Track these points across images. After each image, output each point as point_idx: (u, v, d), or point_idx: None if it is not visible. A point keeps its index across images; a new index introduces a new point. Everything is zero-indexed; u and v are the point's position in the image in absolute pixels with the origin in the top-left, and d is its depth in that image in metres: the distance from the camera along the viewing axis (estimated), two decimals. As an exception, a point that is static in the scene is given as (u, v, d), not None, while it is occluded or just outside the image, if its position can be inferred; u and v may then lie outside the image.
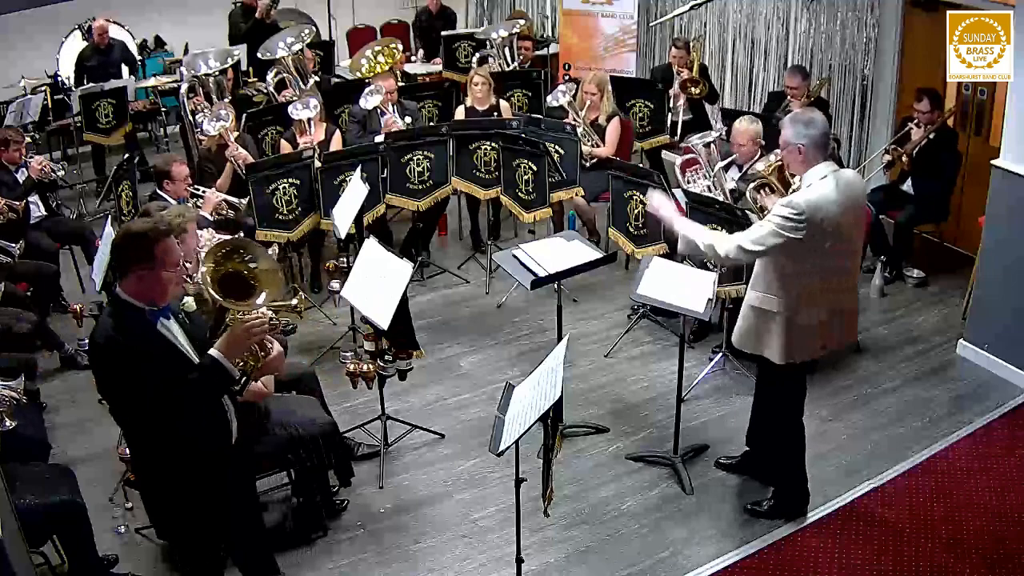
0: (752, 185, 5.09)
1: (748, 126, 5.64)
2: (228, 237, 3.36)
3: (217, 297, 3.10)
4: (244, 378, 3.24)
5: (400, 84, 7.34)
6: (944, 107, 6.36)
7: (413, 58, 9.55)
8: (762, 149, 5.60)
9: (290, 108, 6.55)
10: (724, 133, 6.14)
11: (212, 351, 3.05)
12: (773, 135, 6.15)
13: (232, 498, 3.37)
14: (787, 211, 3.72)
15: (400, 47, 7.57)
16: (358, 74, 7.42)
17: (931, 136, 6.22)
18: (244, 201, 5.90)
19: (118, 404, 3.15)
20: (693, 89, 7.38)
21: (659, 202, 4.18)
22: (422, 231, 6.93)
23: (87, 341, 3.16)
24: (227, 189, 6.13)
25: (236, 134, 6.52)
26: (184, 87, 7.50)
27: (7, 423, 4.05)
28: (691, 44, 7.68)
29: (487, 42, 8.23)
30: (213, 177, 6.23)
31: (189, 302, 3.29)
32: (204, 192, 5.82)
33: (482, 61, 8.12)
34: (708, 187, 5.63)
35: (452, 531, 4.40)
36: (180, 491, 3.22)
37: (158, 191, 5.61)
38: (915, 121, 6.27)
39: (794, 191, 4.56)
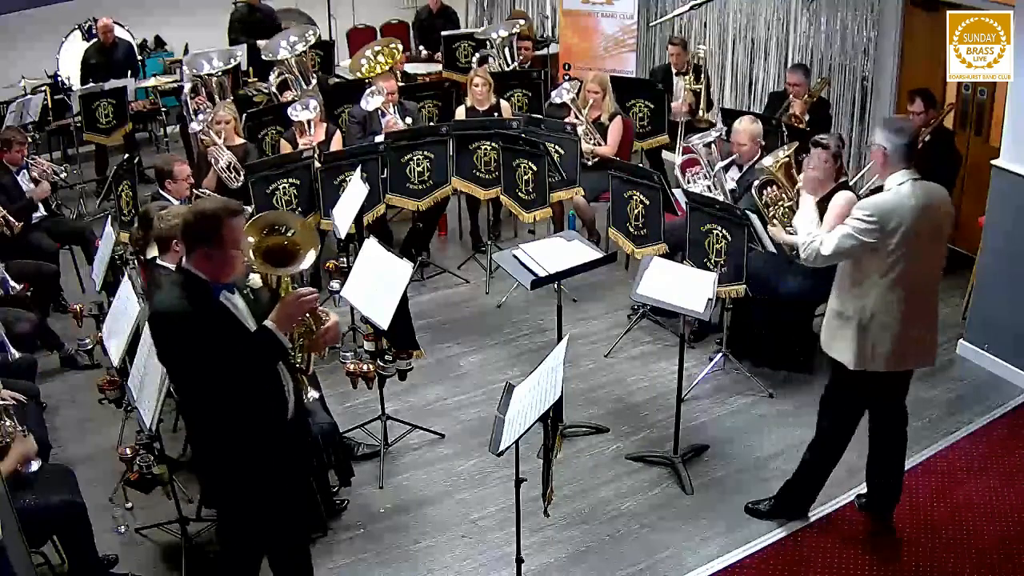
0: (757, 182, 5.09)
1: (749, 126, 5.63)
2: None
3: (264, 267, 3.21)
4: (306, 353, 3.37)
5: (400, 84, 7.35)
6: (938, 106, 6.33)
7: (418, 56, 9.55)
8: (762, 149, 5.60)
9: (289, 110, 6.54)
10: (724, 133, 6.15)
11: (266, 321, 3.15)
12: (774, 135, 6.21)
13: (285, 475, 3.39)
14: (860, 213, 3.72)
15: (400, 47, 7.57)
16: (358, 74, 7.42)
17: (926, 138, 6.20)
18: (249, 209, 5.87)
19: (176, 372, 3.23)
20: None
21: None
22: (422, 231, 6.93)
23: (149, 310, 3.26)
24: (213, 187, 6.13)
25: (241, 140, 6.51)
26: (187, 87, 7.50)
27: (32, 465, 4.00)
28: (694, 52, 7.65)
29: (487, 42, 8.24)
30: (205, 176, 6.23)
31: (255, 279, 3.36)
32: (208, 194, 5.78)
33: (482, 61, 8.13)
34: (708, 187, 5.63)
35: (452, 531, 4.39)
36: (235, 464, 3.26)
37: (160, 191, 5.59)
38: None
39: (798, 191, 4.55)
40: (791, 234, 4.97)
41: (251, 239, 3.17)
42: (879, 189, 3.92)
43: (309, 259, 3.25)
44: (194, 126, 6.43)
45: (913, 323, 3.86)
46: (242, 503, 3.35)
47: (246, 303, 3.25)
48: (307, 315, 3.30)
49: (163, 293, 3.21)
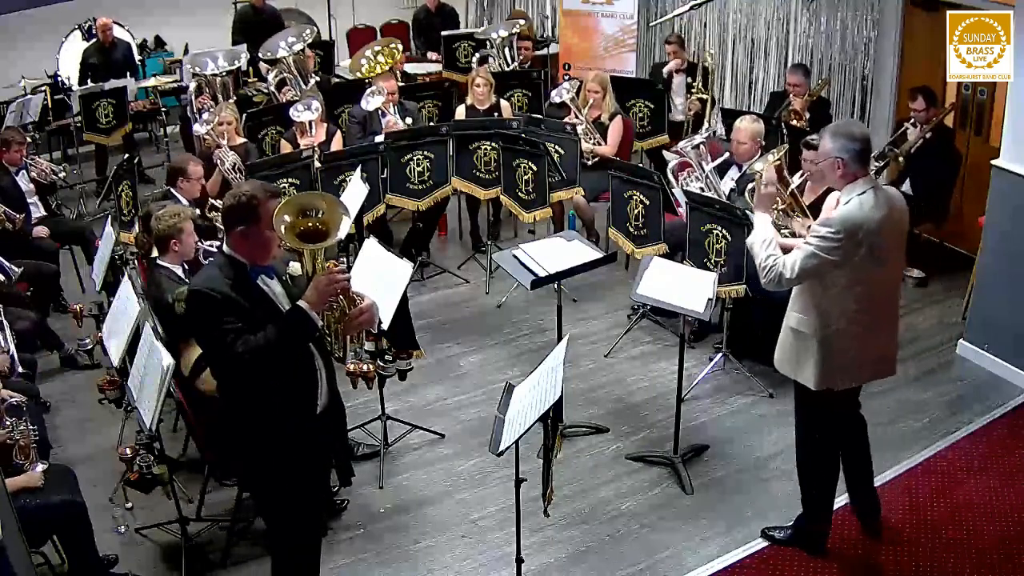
0: (749, 187, 5.09)
1: (751, 125, 5.63)
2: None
3: (299, 245, 3.21)
4: (341, 338, 3.37)
5: (400, 84, 7.35)
6: (939, 104, 6.34)
7: (419, 57, 9.55)
8: (762, 149, 5.60)
9: (291, 110, 6.54)
10: (724, 133, 6.15)
11: (299, 301, 3.17)
12: (773, 135, 6.21)
13: (311, 464, 3.42)
14: (823, 231, 3.53)
15: (400, 47, 7.58)
16: (358, 74, 7.42)
17: (927, 136, 6.21)
18: None
19: (209, 351, 3.30)
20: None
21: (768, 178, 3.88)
22: (422, 231, 6.93)
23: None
24: (217, 189, 6.13)
25: (242, 140, 6.51)
26: (192, 86, 7.50)
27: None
28: (701, 54, 7.64)
29: (487, 42, 8.24)
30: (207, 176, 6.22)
31: (295, 267, 3.39)
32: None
33: (482, 61, 8.13)
34: (701, 188, 5.64)
35: (452, 531, 4.40)
36: (262, 445, 3.29)
37: (171, 190, 5.56)
38: (911, 121, 6.27)
39: (792, 192, 4.52)
40: (786, 237, 4.97)
41: (287, 218, 3.18)
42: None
43: (343, 229, 3.27)
44: (198, 128, 6.41)
45: (876, 333, 3.74)
46: (270, 488, 3.37)
47: (284, 290, 3.31)
48: (340, 297, 3.31)
49: (200, 274, 3.30)
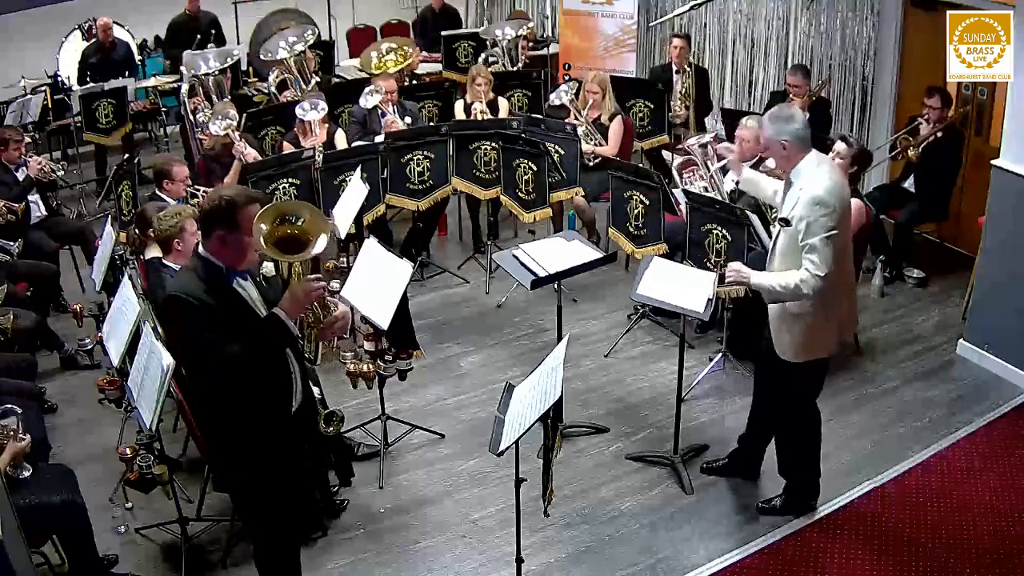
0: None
1: (756, 124, 5.61)
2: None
3: (276, 255, 3.24)
4: (314, 343, 3.47)
5: (403, 84, 7.34)
6: (952, 106, 6.35)
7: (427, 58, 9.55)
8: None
9: (297, 108, 6.50)
10: (723, 133, 6.14)
11: (275, 308, 3.23)
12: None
13: (289, 464, 3.45)
14: (821, 210, 3.69)
15: (415, 50, 7.58)
16: (367, 70, 7.41)
17: (938, 134, 6.21)
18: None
19: (187, 357, 3.34)
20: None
21: (736, 270, 4.00)
22: (422, 231, 6.93)
23: (168, 294, 3.28)
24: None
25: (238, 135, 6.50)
26: (185, 87, 7.50)
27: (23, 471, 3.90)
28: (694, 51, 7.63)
29: (493, 42, 8.21)
30: (219, 177, 6.20)
31: (269, 267, 3.47)
32: (205, 192, 5.76)
33: (487, 61, 8.12)
34: (705, 188, 5.63)
35: (452, 531, 4.40)
36: (241, 447, 3.33)
37: (157, 192, 5.58)
38: (925, 117, 6.27)
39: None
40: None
41: (263, 227, 3.20)
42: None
43: (320, 245, 3.26)
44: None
45: (847, 302, 4.03)
46: (249, 489, 3.43)
47: (259, 291, 3.34)
48: (315, 304, 3.37)
49: (177, 278, 3.32)
